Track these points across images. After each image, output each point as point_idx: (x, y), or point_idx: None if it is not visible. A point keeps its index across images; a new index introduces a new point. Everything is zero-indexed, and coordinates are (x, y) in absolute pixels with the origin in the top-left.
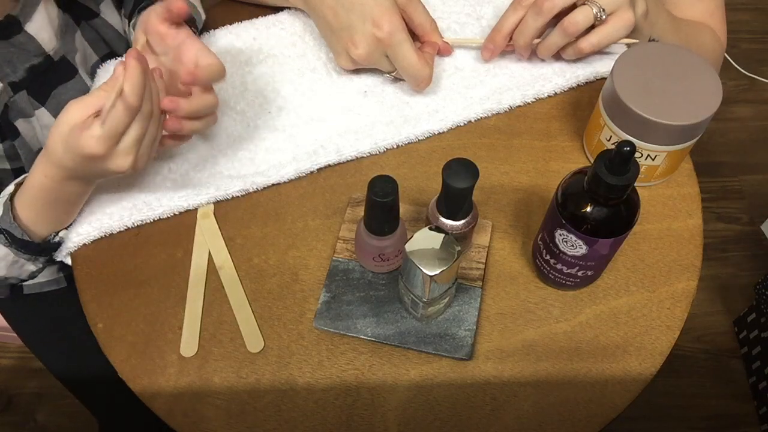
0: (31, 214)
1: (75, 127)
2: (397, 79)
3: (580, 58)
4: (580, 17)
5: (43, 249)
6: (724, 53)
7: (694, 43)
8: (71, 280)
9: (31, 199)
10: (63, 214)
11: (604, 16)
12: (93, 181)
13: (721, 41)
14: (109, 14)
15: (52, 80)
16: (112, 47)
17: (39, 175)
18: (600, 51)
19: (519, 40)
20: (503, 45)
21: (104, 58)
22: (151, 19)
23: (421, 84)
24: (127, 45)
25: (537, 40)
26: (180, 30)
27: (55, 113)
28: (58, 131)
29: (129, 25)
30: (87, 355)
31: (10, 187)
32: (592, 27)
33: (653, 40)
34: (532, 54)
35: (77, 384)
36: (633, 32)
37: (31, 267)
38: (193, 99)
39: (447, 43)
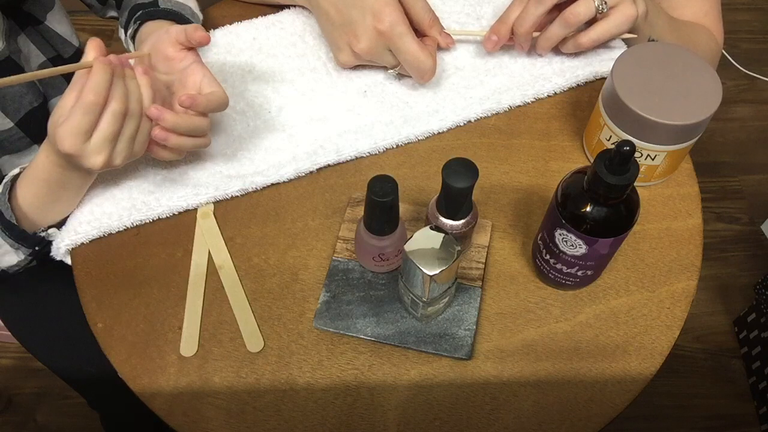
0: (29, 195)
1: (57, 121)
2: (402, 76)
3: (580, 54)
4: (582, 8)
5: (28, 238)
6: (721, 52)
7: (691, 43)
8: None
9: (31, 178)
10: (59, 200)
11: (605, 9)
12: (89, 172)
13: (717, 41)
14: (56, 23)
15: None
16: (58, 50)
17: (42, 156)
18: (600, 48)
19: (520, 28)
20: (507, 36)
21: (53, 60)
22: (162, 39)
23: (425, 75)
24: (75, 49)
25: (537, 34)
26: (188, 53)
27: (1, 106)
28: (50, 121)
29: (126, 35)
30: (75, 341)
31: (15, 170)
32: (594, 20)
33: (652, 40)
34: (531, 49)
35: (71, 375)
36: (632, 32)
37: (13, 257)
38: (182, 115)
39: (448, 35)
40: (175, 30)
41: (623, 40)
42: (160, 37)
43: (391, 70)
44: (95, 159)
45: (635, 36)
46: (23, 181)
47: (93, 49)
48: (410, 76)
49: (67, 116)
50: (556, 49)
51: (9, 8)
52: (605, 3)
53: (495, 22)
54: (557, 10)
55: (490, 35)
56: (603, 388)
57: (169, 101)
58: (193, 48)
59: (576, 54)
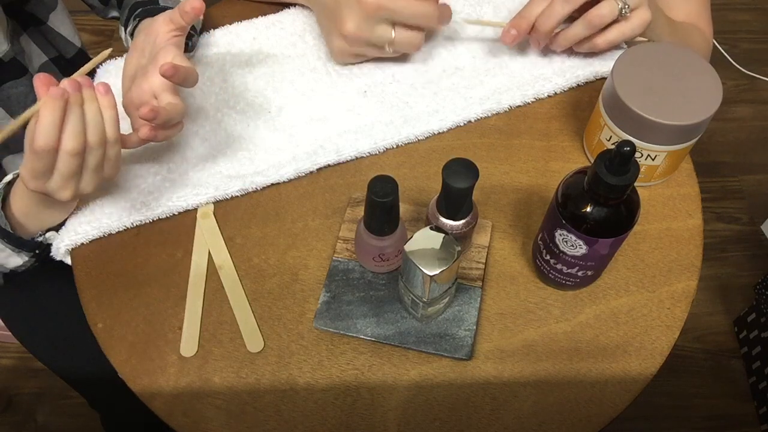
0: (21, 205)
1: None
2: (397, 55)
3: (580, 53)
4: (606, 11)
5: (26, 243)
6: (711, 53)
7: (687, 43)
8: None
9: (21, 191)
10: (51, 208)
11: (628, 12)
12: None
13: (709, 42)
14: (58, 24)
15: (4, 78)
16: (60, 51)
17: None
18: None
19: (543, 25)
20: (527, 31)
21: (55, 60)
22: (158, 20)
23: (432, 20)
24: (77, 50)
25: (557, 30)
26: (173, 38)
27: (5, 107)
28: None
29: (126, 33)
30: (75, 341)
31: (9, 176)
32: (613, 22)
33: (651, 41)
34: (545, 46)
35: (71, 375)
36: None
37: (16, 260)
38: (169, 106)
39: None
40: (170, 11)
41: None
42: (157, 18)
43: (389, 48)
44: (61, 194)
45: (645, 39)
46: (15, 191)
47: (41, 88)
48: (407, 52)
49: (24, 159)
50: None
51: (12, 8)
52: (627, 6)
53: (515, 17)
54: (578, 10)
55: (509, 29)
56: (603, 388)
57: (138, 83)
58: (183, 34)
59: (576, 53)
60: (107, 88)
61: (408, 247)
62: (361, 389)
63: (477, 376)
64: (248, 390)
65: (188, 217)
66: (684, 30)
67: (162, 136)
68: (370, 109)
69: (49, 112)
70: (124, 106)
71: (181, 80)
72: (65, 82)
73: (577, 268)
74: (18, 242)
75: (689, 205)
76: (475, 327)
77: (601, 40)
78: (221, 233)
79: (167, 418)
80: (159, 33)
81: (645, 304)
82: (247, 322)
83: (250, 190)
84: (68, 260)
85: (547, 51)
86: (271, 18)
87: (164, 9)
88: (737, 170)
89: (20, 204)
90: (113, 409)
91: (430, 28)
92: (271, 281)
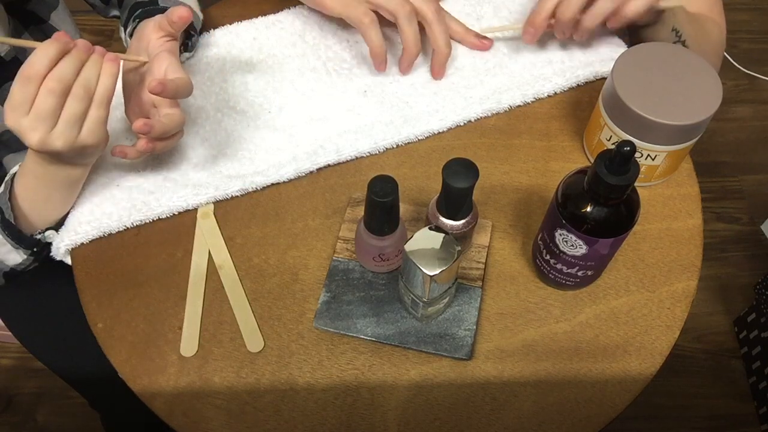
0: (23, 191)
1: None
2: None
3: (580, 54)
4: None
5: (24, 239)
6: (725, 45)
7: (706, 34)
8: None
9: (23, 173)
10: (50, 200)
11: None
12: (66, 162)
13: (723, 34)
14: (60, 23)
15: (5, 77)
16: None
17: (28, 155)
18: (600, 48)
19: (564, 13)
20: (544, 26)
21: None
22: (149, 26)
23: None
24: None
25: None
26: (166, 43)
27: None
28: None
29: (125, 34)
30: (75, 341)
31: (15, 168)
32: None
33: (675, 29)
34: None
35: (71, 375)
36: (658, 23)
37: (15, 257)
38: (164, 119)
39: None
40: (159, 16)
41: (627, 37)
42: (147, 24)
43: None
44: (30, 136)
45: (678, 4)
46: (20, 179)
47: (58, 34)
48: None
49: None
50: (556, 48)
51: (13, 7)
52: None
53: (531, 14)
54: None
55: (527, 27)
56: (603, 388)
57: (137, 91)
58: (175, 39)
59: (578, 52)
60: (117, 63)
61: (408, 247)
62: (361, 389)
63: (477, 376)
64: (248, 390)
65: (188, 217)
66: (703, 21)
67: (160, 147)
68: (370, 109)
69: (44, 47)
70: (126, 114)
71: (171, 94)
72: (81, 40)
73: (577, 268)
74: (17, 237)
75: (689, 205)
76: (475, 327)
77: (631, 6)
78: (221, 233)
79: (167, 418)
80: (150, 40)
81: (645, 304)
82: (247, 322)
83: (250, 190)
84: (68, 260)
85: (563, 45)
86: (271, 18)
87: (164, 9)
88: (737, 170)
89: (22, 189)
90: (113, 409)
91: None
92: (271, 281)
